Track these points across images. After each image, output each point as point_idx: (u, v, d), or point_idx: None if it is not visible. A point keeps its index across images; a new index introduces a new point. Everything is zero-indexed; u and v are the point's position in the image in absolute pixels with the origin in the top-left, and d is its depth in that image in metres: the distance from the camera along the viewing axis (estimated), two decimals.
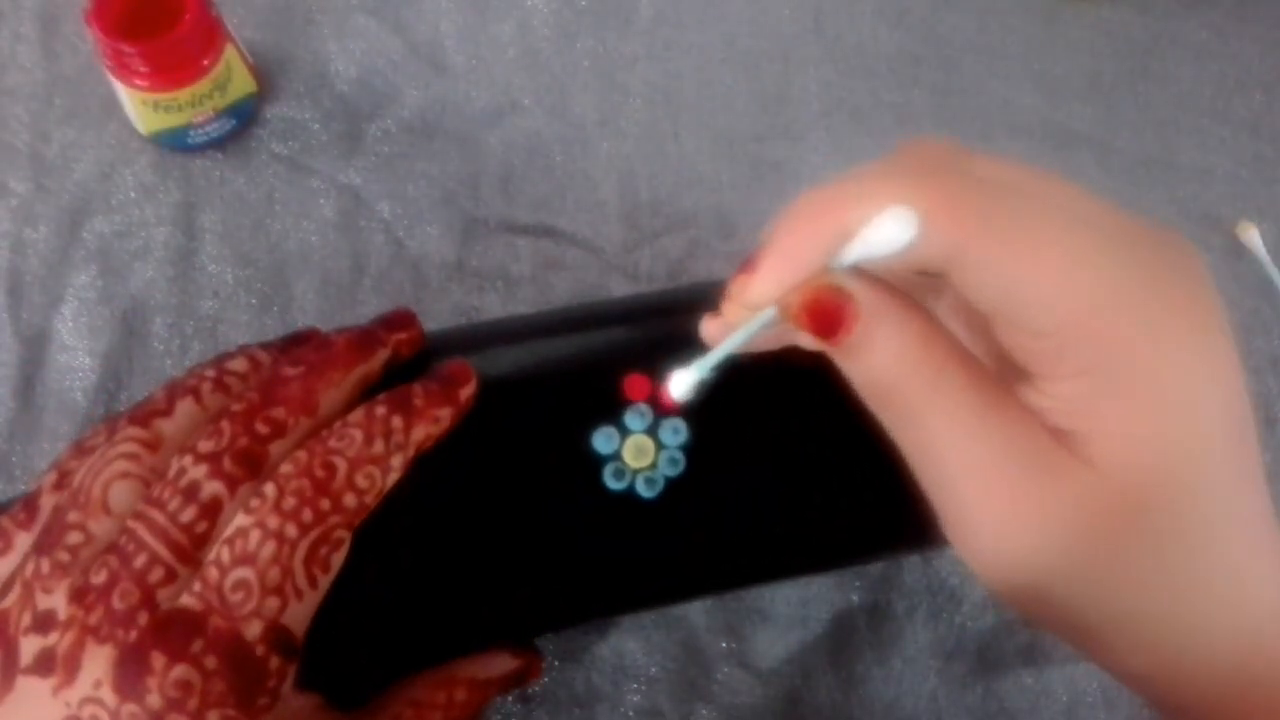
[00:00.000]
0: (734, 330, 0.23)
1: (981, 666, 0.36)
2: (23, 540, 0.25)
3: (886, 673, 0.36)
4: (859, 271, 0.22)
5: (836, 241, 0.21)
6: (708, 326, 0.24)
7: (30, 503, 0.26)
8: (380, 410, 0.26)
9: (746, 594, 0.37)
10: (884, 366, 0.22)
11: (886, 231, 0.20)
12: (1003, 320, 0.21)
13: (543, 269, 0.42)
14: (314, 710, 0.25)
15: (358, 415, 0.25)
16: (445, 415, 0.26)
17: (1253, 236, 0.45)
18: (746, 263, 0.22)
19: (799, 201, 0.22)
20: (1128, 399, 0.20)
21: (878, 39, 0.49)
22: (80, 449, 0.26)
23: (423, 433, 0.26)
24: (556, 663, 0.35)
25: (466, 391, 0.27)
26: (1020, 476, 0.21)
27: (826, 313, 0.22)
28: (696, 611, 0.36)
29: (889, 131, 0.46)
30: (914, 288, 0.24)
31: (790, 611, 0.37)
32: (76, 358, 0.39)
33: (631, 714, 0.35)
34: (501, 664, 0.29)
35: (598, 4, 0.48)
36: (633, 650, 0.36)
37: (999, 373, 0.23)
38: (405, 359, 0.29)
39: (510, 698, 0.35)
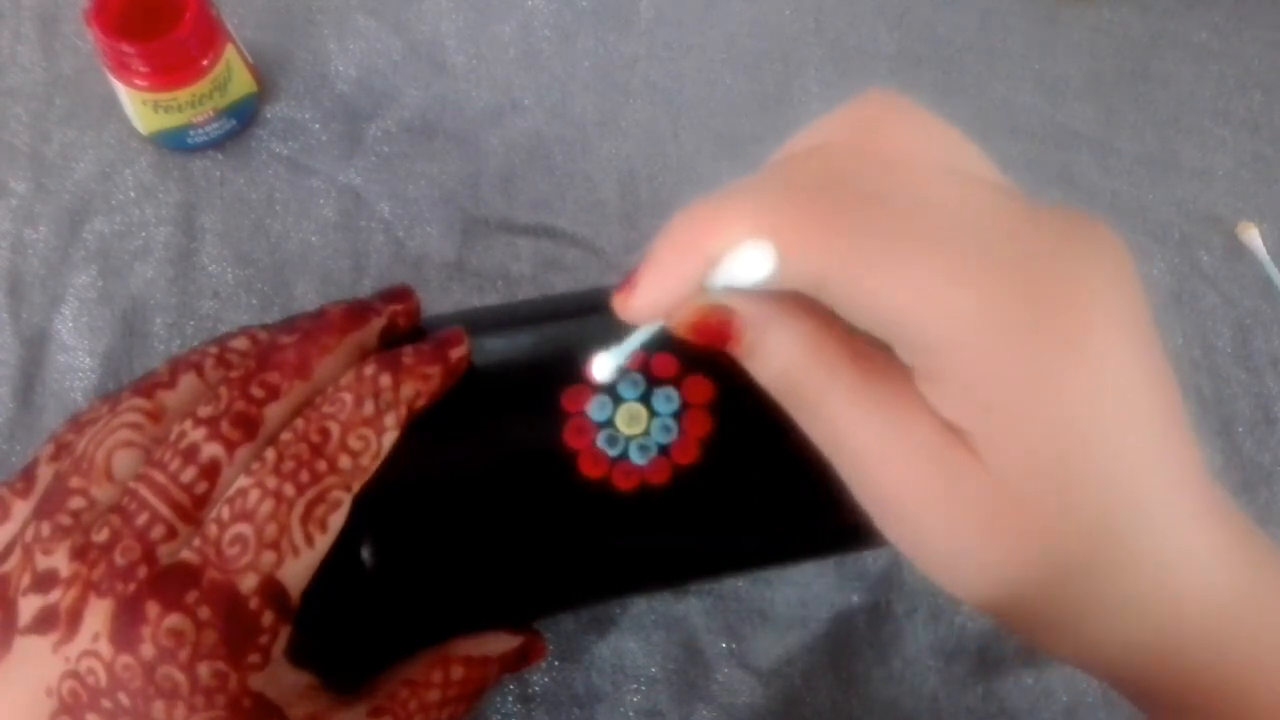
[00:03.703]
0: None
1: (981, 667, 0.36)
2: (20, 509, 0.25)
3: (886, 673, 0.36)
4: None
5: (704, 267, 0.21)
6: (618, 303, 0.24)
7: (28, 473, 0.26)
8: (369, 370, 0.26)
9: (747, 594, 0.37)
10: (778, 370, 0.23)
11: (744, 264, 0.20)
12: (875, 333, 0.21)
13: (543, 269, 0.42)
14: (308, 689, 0.25)
15: (348, 378, 0.26)
16: (435, 373, 0.27)
17: (1253, 236, 0.45)
18: (625, 280, 0.23)
19: (672, 222, 0.22)
20: (1015, 422, 0.20)
21: (878, 39, 0.49)
22: (78, 423, 0.27)
23: (412, 389, 0.26)
24: (556, 663, 0.35)
25: (458, 352, 0.27)
26: (920, 468, 0.21)
27: (711, 329, 0.23)
28: (696, 612, 0.36)
29: None
30: None
31: (790, 612, 0.37)
32: (77, 358, 0.39)
33: (631, 714, 0.35)
34: (500, 643, 0.29)
35: (598, 4, 0.48)
36: (633, 650, 0.36)
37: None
38: (403, 331, 0.29)
39: (510, 698, 0.35)
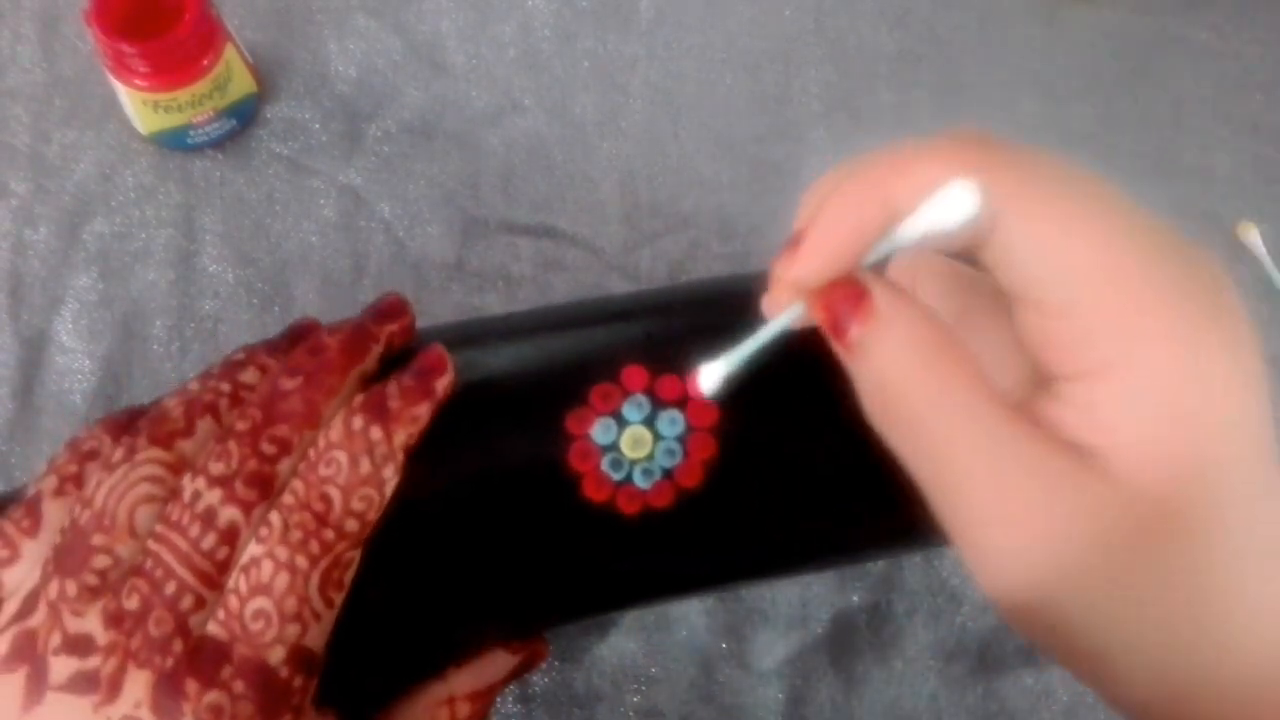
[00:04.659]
0: (774, 319, 0.23)
1: (982, 667, 0.36)
2: (30, 548, 0.25)
3: (887, 673, 0.36)
4: (876, 273, 0.22)
5: (884, 218, 0.20)
6: (779, 270, 0.23)
7: (32, 509, 0.26)
8: (358, 423, 0.25)
9: (747, 595, 0.37)
10: (891, 368, 0.21)
11: (949, 207, 0.20)
12: (1030, 298, 0.21)
13: (543, 269, 0.42)
14: None
15: (338, 432, 0.25)
16: (423, 411, 0.26)
17: (1253, 236, 0.45)
18: (792, 240, 0.22)
19: (840, 174, 0.21)
20: (1149, 407, 0.19)
21: (878, 39, 0.49)
22: (78, 452, 0.26)
23: (404, 435, 0.26)
24: (557, 663, 0.35)
25: (443, 382, 0.27)
26: (1028, 487, 0.20)
27: (841, 306, 0.21)
28: (697, 612, 0.36)
29: (889, 132, 0.46)
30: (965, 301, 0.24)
31: (791, 612, 0.37)
32: (76, 360, 0.39)
33: (632, 715, 0.35)
34: (501, 665, 0.29)
35: (598, 4, 0.48)
36: (633, 651, 0.36)
37: (1025, 391, 0.22)
38: (398, 350, 0.29)
39: (510, 699, 0.35)
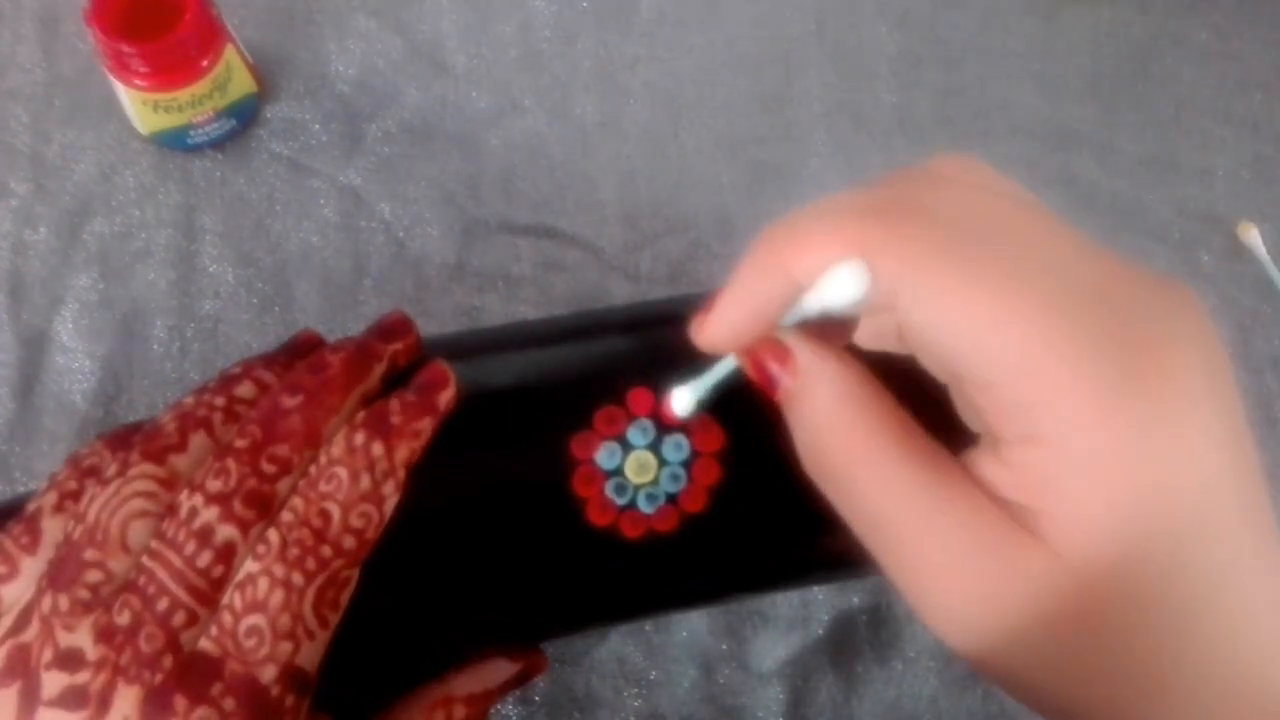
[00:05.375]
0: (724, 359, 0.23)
1: None
2: (29, 565, 0.25)
3: (887, 674, 0.36)
4: (804, 329, 0.22)
5: (788, 292, 0.21)
6: (694, 329, 0.24)
7: (32, 525, 0.25)
8: (359, 439, 0.25)
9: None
10: (815, 422, 0.22)
11: (838, 286, 0.20)
12: (947, 372, 0.20)
13: (543, 269, 0.42)
14: None
15: (339, 449, 0.25)
16: (426, 426, 0.26)
17: (1253, 236, 0.45)
18: (706, 303, 0.23)
19: (756, 244, 0.22)
20: (1081, 477, 0.19)
21: (879, 40, 0.49)
22: (79, 468, 0.26)
23: (406, 450, 0.26)
24: (557, 666, 0.35)
25: (445, 396, 0.27)
26: (958, 543, 0.20)
27: (769, 363, 0.22)
28: (697, 614, 0.36)
29: (890, 133, 0.46)
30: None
31: (791, 613, 0.37)
32: (76, 360, 0.39)
33: (633, 717, 0.35)
34: (500, 672, 0.29)
35: (599, 4, 0.48)
36: (633, 654, 0.36)
37: (980, 439, 0.22)
38: (402, 369, 0.29)
39: (511, 702, 0.35)
